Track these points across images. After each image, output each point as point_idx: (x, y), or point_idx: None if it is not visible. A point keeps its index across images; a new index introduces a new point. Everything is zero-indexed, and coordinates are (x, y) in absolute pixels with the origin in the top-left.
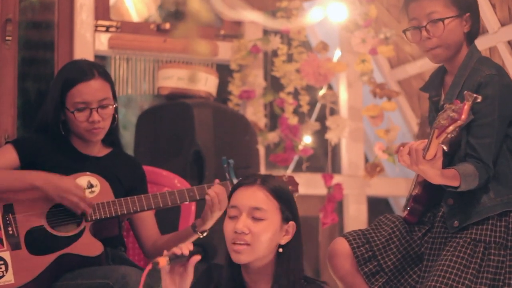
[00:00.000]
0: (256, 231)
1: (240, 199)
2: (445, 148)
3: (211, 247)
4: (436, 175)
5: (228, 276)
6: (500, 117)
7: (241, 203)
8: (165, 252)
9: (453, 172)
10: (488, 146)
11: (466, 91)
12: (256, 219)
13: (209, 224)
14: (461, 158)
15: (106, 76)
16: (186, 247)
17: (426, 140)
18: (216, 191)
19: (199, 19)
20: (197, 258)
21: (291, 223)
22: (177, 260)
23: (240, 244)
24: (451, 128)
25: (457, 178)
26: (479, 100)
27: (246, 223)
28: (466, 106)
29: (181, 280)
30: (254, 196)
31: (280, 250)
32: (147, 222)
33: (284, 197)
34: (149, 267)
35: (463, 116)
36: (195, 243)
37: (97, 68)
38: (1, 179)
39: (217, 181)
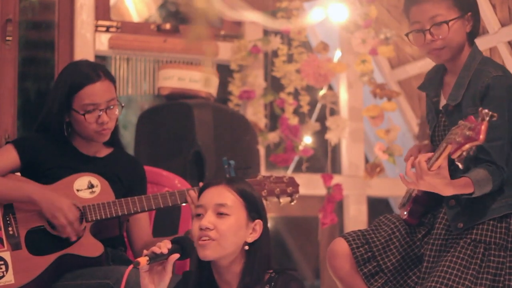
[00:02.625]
0: (221, 227)
1: (206, 197)
2: (460, 166)
3: (189, 244)
4: (445, 185)
5: (199, 278)
6: (510, 119)
7: (206, 201)
8: (144, 251)
9: (464, 180)
10: (501, 148)
11: (481, 108)
12: (221, 215)
13: None
14: (467, 162)
15: (110, 77)
16: (164, 246)
17: (428, 154)
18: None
19: (207, 20)
20: (175, 256)
21: (258, 221)
22: (157, 259)
23: (206, 239)
24: (467, 146)
25: (470, 185)
26: (495, 118)
27: (211, 219)
28: (484, 127)
29: (159, 279)
30: (219, 194)
31: (246, 247)
32: (141, 222)
33: (250, 196)
34: (130, 267)
35: (481, 137)
36: (173, 241)
37: (102, 69)
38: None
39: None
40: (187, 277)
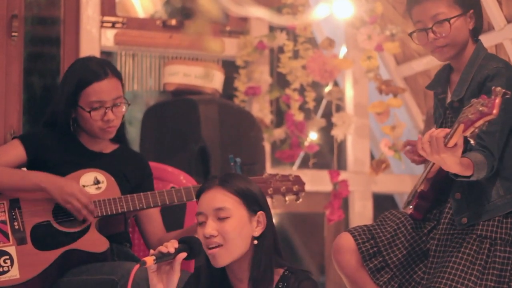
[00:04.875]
0: (224, 231)
1: (203, 204)
2: (472, 142)
3: (197, 244)
4: (455, 163)
5: (211, 274)
6: (506, 109)
7: (204, 208)
8: (151, 251)
9: (467, 161)
10: (493, 134)
11: (494, 87)
12: (221, 219)
13: None
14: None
15: (118, 75)
16: (171, 245)
17: (446, 129)
18: None
19: (209, 16)
20: (183, 255)
21: (260, 213)
22: (164, 259)
23: (213, 247)
24: (480, 122)
25: (471, 167)
26: (508, 95)
27: (213, 226)
28: (498, 100)
29: (168, 278)
30: (214, 198)
31: (255, 242)
32: (153, 218)
33: (246, 192)
34: (137, 266)
35: (495, 111)
36: (180, 241)
37: (109, 66)
38: (7, 178)
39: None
40: (199, 271)
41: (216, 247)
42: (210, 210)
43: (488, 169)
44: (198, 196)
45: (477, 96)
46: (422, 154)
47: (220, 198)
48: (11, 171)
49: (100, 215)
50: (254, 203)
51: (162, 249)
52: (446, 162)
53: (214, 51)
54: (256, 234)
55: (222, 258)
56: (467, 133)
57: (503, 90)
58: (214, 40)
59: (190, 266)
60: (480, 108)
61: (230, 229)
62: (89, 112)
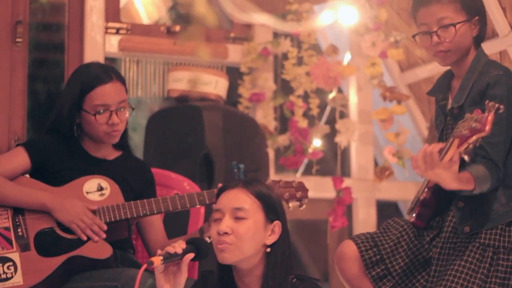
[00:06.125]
0: (238, 231)
1: (223, 201)
2: (466, 158)
3: (204, 245)
4: (452, 180)
5: (219, 281)
6: (508, 117)
7: (223, 205)
8: (159, 251)
9: (467, 176)
10: (497, 144)
11: (487, 101)
12: (238, 219)
13: None
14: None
15: (121, 79)
16: (179, 246)
17: (441, 144)
18: None
19: (205, 22)
20: (190, 256)
21: (276, 222)
22: (171, 259)
23: (224, 244)
24: (473, 138)
25: (472, 181)
26: (501, 110)
27: (229, 223)
28: (490, 117)
29: (175, 279)
30: (236, 197)
31: (268, 250)
32: (155, 226)
33: (267, 198)
34: (144, 267)
35: (487, 127)
36: (188, 242)
37: (113, 70)
38: (12, 194)
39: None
40: (206, 276)
41: (226, 244)
42: (229, 208)
43: (493, 181)
44: (218, 194)
45: (478, 103)
46: (417, 172)
47: (241, 198)
48: (17, 187)
49: (103, 221)
50: (273, 211)
51: (170, 249)
52: (442, 178)
53: (203, 57)
54: (268, 242)
55: (230, 254)
56: (462, 149)
57: (496, 105)
58: (202, 46)
59: (194, 273)
60: (473, 125)
61: (244, 230)
62: (94, 115)
